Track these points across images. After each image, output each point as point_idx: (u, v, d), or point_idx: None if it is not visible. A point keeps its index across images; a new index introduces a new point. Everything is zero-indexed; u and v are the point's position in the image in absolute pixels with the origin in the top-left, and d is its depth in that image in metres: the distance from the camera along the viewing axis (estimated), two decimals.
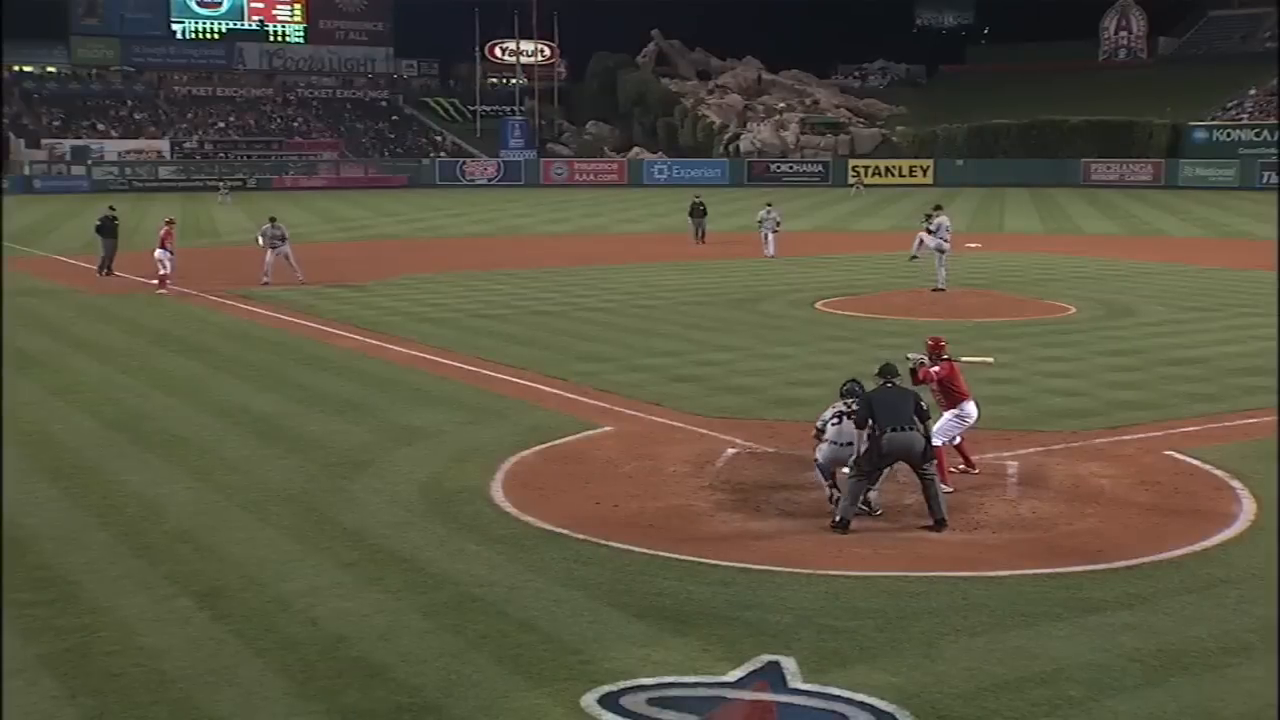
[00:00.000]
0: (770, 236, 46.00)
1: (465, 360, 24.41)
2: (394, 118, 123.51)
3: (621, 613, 11.11)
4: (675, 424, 18.73)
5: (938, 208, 36.50)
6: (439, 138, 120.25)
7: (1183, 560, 12.57)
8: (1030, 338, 26.89)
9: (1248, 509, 14.30)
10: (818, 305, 32.68)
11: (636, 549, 12.79)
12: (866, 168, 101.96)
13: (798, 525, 13.77)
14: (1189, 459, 16.58)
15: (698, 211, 52.71)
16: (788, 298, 33.85)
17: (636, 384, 21.69)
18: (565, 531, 13.39)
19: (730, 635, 10.59)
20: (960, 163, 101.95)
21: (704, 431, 18.19)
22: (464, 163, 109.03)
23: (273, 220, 38.41)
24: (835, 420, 14.44)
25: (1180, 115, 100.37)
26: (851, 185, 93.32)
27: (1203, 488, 15.25)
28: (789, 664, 9.98)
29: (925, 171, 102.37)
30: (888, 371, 14.33)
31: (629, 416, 19.26)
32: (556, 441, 17.61)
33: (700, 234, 51.93)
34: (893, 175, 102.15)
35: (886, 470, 14.23)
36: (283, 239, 37.33)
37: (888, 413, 13.79)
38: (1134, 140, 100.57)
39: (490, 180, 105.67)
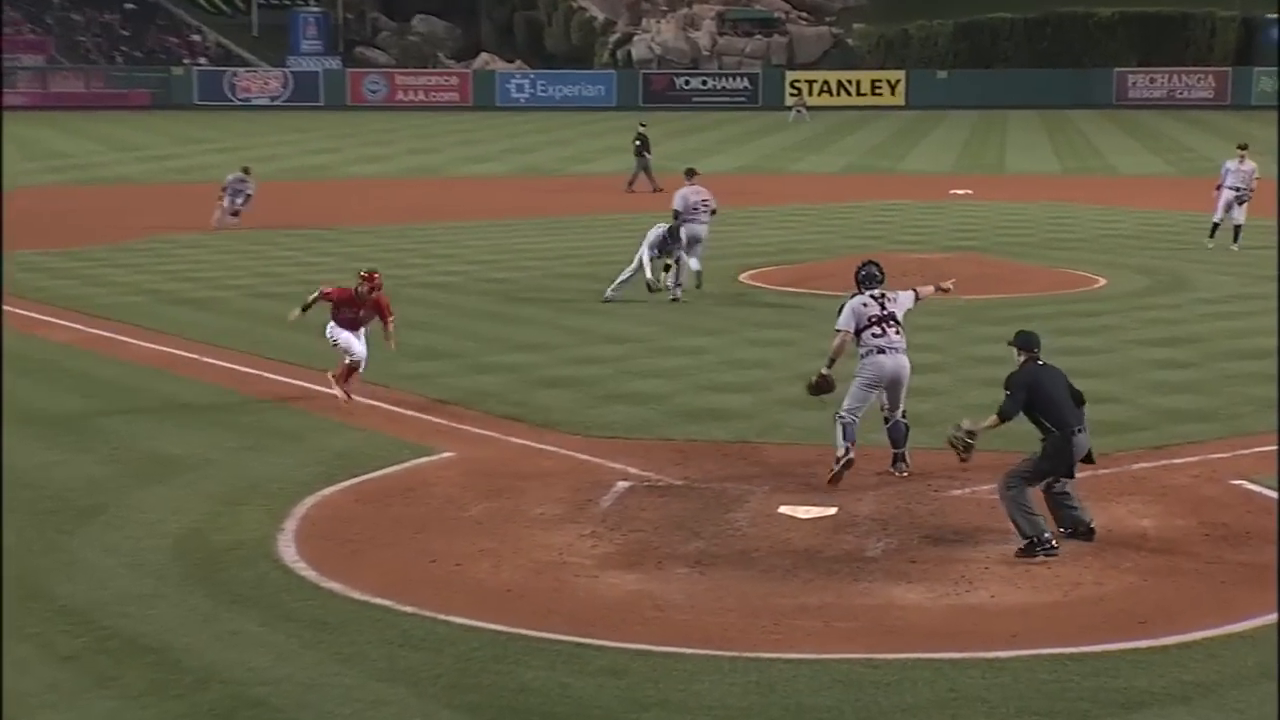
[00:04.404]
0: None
1: (241, 359, 24.25)
2: (129, 5, 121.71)
3: (468, 717, 11.08)
4: (543, 447, 18.71)
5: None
6: (197, 37, 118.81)
7: (1259, 634, 12.79)
8: (1043, 321, 27.12)
9: None
10: (743, 277, 32.81)
11: (488, 625, 12.75)
12: (811, 83, 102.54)
13: (718, 587, 13.82)
14: (1266, 491, 16.89)
15: (645, 146, 52.39)
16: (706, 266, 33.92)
17: (488, 391, 21.62)
18: (387, 603, 13.32)
19: None
20: (943, 75, 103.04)
21: (584, 457, 18.22)
22: (235, 74, 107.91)
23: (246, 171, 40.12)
24: (877, 330, 16.51)
25: (1254, 2, 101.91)
26: (790, 108, 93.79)
27: None
28: None
29: (894, 88, 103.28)
30: (1031, 344, 15.24)
31: (477, 437, 19.23)
32: (374, 474, 17.53)
33: (647, 176, 51.32)
34: (848, 93, 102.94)
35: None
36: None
37: (1065, 403, 14.75)
38: (1189, 40, 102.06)
39: (274, 99, 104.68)
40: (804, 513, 15.85)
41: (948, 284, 19.05)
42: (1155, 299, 30.19)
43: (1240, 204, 36.64)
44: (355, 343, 21.43)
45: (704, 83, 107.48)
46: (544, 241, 39.58)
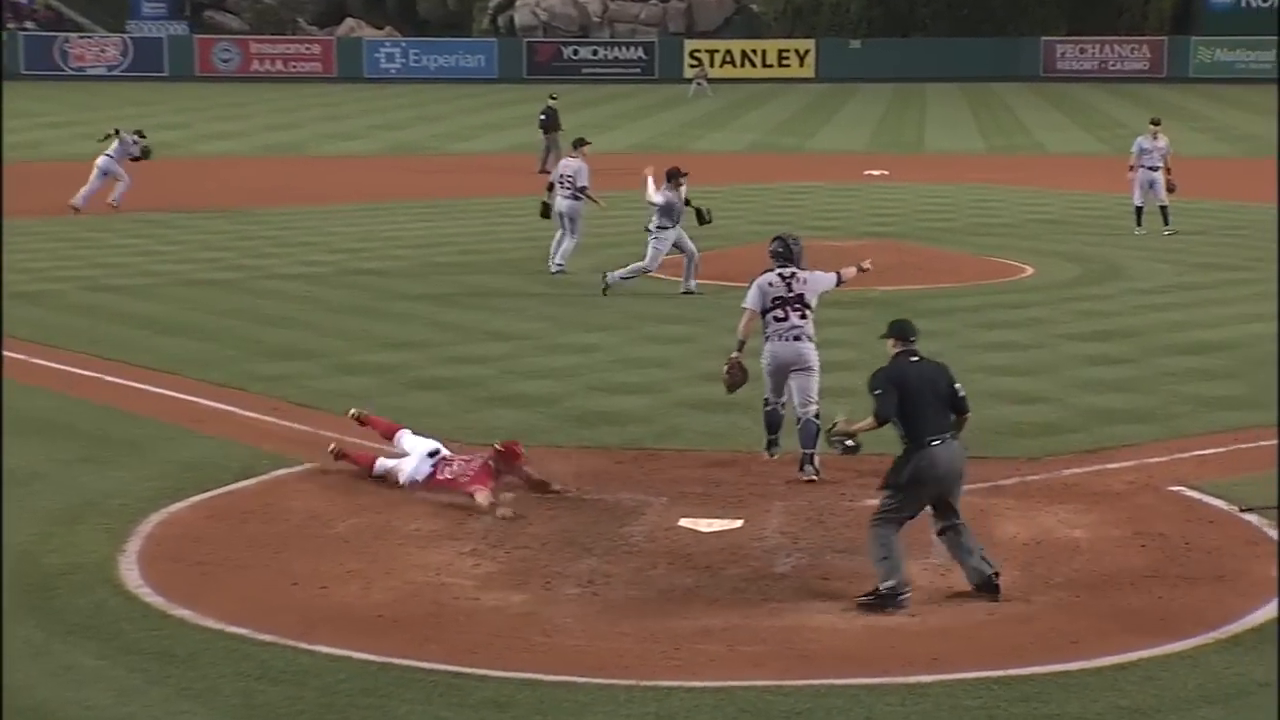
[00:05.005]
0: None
1: (76, 359, 24.08)
2: None
3: None
4: None
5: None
6: None
7: (1200, 654, 12.92)
8: (966, 314, 27.41)
9: None
10: None
11: (357, 655, 12.71)
12: (713, 53, 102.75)
13: (612, 609, 13.85)
14: (1206, 498, 17.09)
15: (551, 122, 52.01)
16: (592, 256, 33.91)
17: (356, 394, 21.45)
18: (243, 631, 13.24)
19: None
20: (856, 44, 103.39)
21: None
22: (67, 40, 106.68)
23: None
24: (780, 313, 16.85)
25: None
26: (690, 81, 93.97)
27: (1228, 540, 15.71)
28: None
29: (803, 58, 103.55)
30: (907, 333, 14.46)
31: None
32: (227, 488, 17.44)
33: (547, 156, 50.81)
34: (753, 64, 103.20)
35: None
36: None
37: (927, 409, 13.96)
38: (1122, 7, 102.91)
39: (112, 69, 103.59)
40: (706, 526, 15.89)
41: (866, 263, 19.19)
42: (1087, 289, 30.46)
43: (1170, 192, 36.87)
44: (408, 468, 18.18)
45: (594, 52, 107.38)
46: (418, 228, 39.43)
